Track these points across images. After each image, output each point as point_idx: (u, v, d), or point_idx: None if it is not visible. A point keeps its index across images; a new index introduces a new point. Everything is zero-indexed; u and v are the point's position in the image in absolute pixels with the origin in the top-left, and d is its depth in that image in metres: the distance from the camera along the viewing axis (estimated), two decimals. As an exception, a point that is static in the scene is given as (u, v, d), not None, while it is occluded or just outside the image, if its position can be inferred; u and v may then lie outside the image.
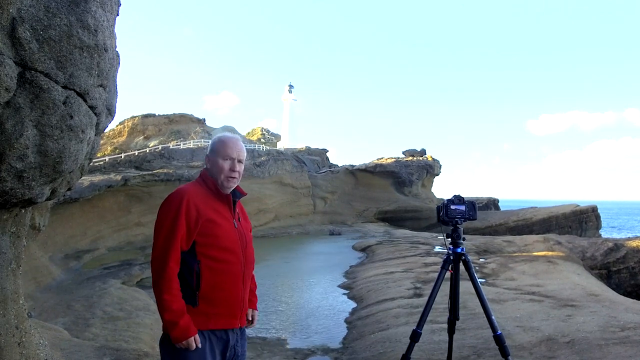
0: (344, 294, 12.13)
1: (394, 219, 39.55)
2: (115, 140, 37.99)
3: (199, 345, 2.05)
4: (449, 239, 3.30)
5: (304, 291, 13.05)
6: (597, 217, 36.17)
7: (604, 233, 39.37)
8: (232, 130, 44.94)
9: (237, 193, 2.30)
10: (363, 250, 21.85)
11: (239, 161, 2.23)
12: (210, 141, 2.33)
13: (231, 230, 2.18)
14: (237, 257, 2.17)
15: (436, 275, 3.28)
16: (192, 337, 2.04)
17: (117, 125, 39.01)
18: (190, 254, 2.09)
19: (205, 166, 2.30)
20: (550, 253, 15.63)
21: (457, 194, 3.36)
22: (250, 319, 2.41)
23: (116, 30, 2.52)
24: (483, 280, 11.25)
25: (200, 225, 2.08)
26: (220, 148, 2.22)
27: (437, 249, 19.48)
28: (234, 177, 2.21)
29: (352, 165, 43.13)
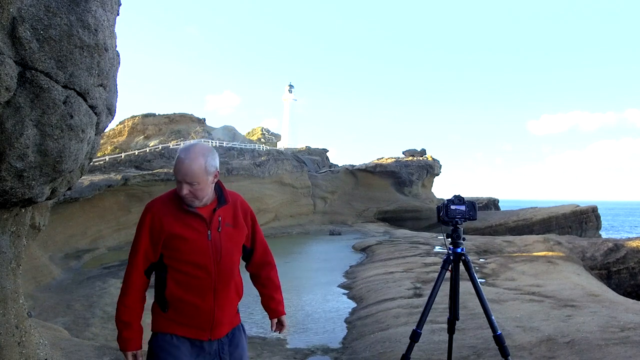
0: (344, 294, 12.13)
1: (394, 219, 39.56)
2: (115, 140, 38.02)
3: None
4: (449, 239, 3.30)
5: (304, 291, 13.04)
6: (597, 217, 36.21)
7: (604, 233, 39.37)
8: (232, 130, 44.93)
9: (222, 200, 2.18)
10: (363, 250, 21.85)
11: (187, 183, 2.06)
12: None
13: (201, 244, 2.09)
14: (206, 271, 2.09)
15: (436, 275, 3.28)
16: (130, 353, 2.12)
17: (117, 125, 39.04)
18: (160, 264, 2.12)
19: None
20: (550, 253, 15.62)
21: (457, 194, 3.36)
22: (274, 327, 2.37)
23: (119, 27, 2.52)
24: (483, 280, 11.24)
25: (164, 240, 2.07)
26: (174, 168, 2.14)
27: (437, 249, 19.48)
28: (189, 198, 2.08)
29: (352, 165, 43.14)
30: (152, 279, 2.19)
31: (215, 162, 2.13)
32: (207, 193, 2.13)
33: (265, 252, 2.41)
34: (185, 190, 2.06)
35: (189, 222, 2.10)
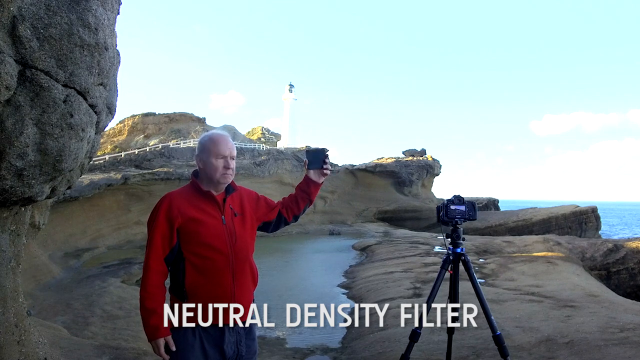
0: (344, 293, 12.13)
1: (393, 219, 39.56)
2: (115, 139, 37.99)
3: (172, 348, 2.06)
4: (449, 239, 3.30)
5: (303, 291, 13.04)
6: (597, 217, 36.19)
7: (605, 234, 39.35)
8: (232, 129, 44.90)
9: (230, 188, 2.32)
10: (363, 250, 21.85)
11: (232, 158, 2.25)
12: (198, 140, 2.33)
13: (217, 227, 2.18)
14: (223, 253, 2.16)
15: (435, 275, 3.28)
16: (161, 339, 2.05)
17: (117, 124, 39.01)
18: (178, 252, 2.15)
19: (197, 167, 2.31)
20: (549, 254, 15.62)
21: (457, 194, 3.35)
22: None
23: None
24: (482, 280, 11.24)
25: (182, 224, 2.13)
26: (212, 147, 2.23)
27: (437, 249, 19.48)
28: (230, 174, 2.25)
29: (352, 165, 43.11)
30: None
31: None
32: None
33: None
34: (232, 164, 2.23)
35: (204, 207, 2.20)
